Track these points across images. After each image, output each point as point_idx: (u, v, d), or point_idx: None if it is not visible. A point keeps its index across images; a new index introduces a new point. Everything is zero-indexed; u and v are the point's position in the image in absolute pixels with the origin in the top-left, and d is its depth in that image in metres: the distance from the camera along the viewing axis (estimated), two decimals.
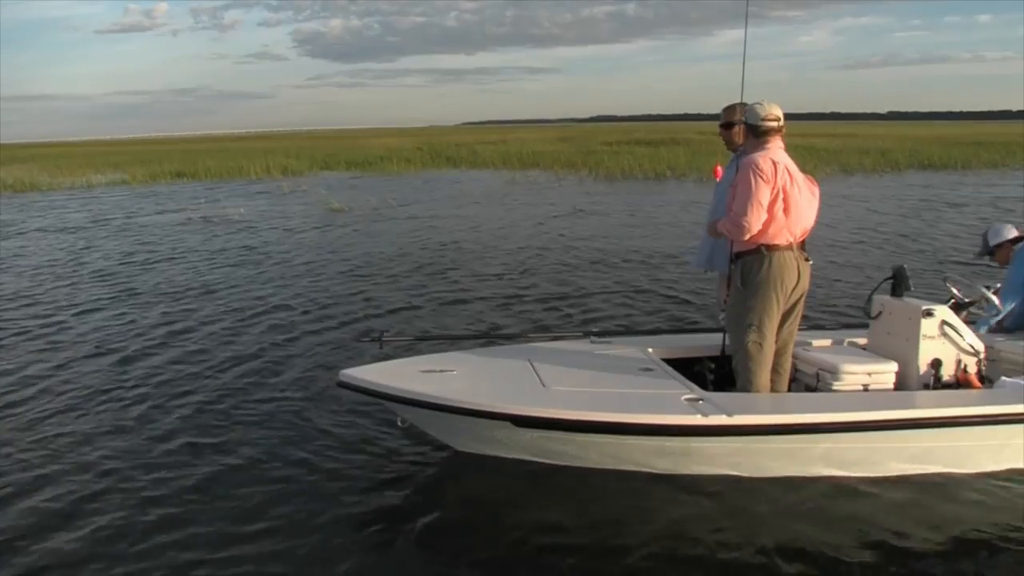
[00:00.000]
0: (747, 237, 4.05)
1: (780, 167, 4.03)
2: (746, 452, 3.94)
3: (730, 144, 4.64)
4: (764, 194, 3.98)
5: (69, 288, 9.70)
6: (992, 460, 4.04)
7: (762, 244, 4.06)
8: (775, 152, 4.09)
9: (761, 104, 4.14)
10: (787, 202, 4.02)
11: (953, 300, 4.61)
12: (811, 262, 4.23)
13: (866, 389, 4.17)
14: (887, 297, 4.48)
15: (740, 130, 4.39)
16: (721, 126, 4.66)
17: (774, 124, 4.11)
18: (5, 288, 9.77)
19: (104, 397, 5.68)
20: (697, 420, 3.68)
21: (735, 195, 4.09)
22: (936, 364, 4.21)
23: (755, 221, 3.99)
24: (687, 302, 8.30)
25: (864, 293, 5.16)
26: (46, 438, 4.94)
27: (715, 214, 4.61)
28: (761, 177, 3.98)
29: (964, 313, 4.51)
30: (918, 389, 4.22)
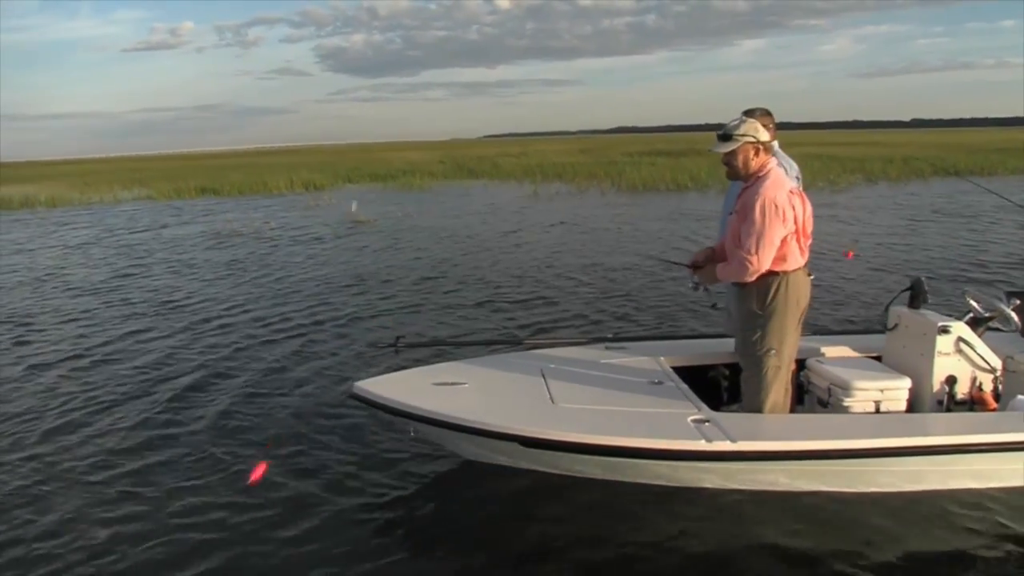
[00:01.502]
0: (754, 277, 3.93)
1: (794, 197, 3.92)
2: (751, 472, 3.94)
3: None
4: (778, 233, 3.84)
5: (91, 299, 9.90)
6: (1007, 478, 3.99)
7: (778, 269, 3.93)
8: (780, 173, 3.98)
9: (752, 120, 4.01)
10: (798, 230, 3.92)
11: (971, 314, 4.48)
12: (812, 276, 4.17)
13: (878, 407, 4.12)
14: (904, 309, 4.44)
15: (769, 130, 4.41)
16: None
17: (769, 136, 4.01)
18: (38, 302, 10.00)
19: (115, 405, 5.88)
20: (700, 446, 3.66)
21: (743, 230, 3.91)
22: (951, 381, 4.15)
23: (764, 262, 3.87)
24: (700, 310, 8.31)
25: (882, 302, 5.16)
26: (68, 440, 5.13)
27: (722, 235, 4.51)
28: (775, 213, 3.82)
29: (982, 328, 4.39)
30: (931, 407, 4.18)
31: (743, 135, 3.94)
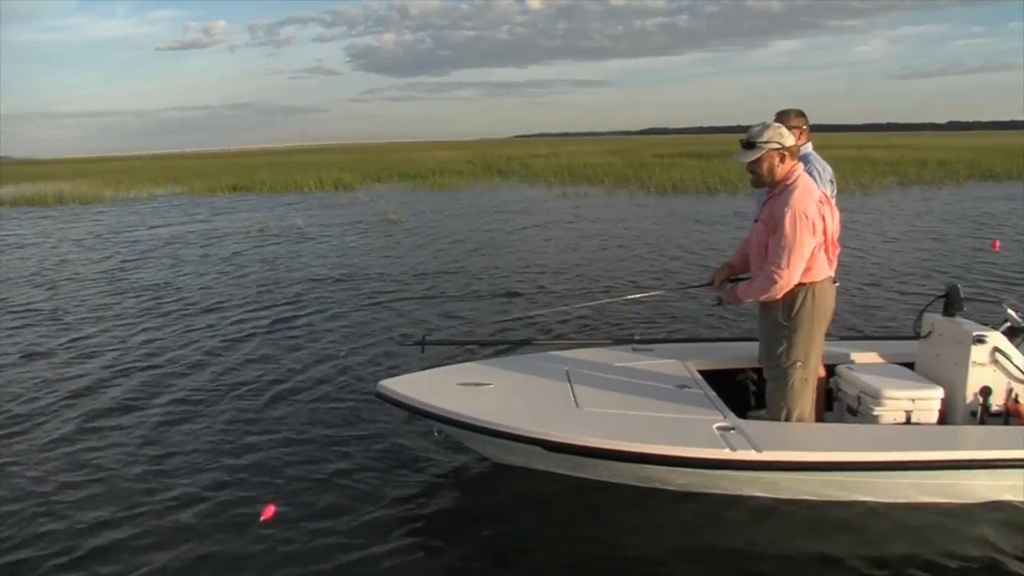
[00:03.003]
0: (782, 293, 3.82)
1: (823, 206, 3.80)
2: (775, 481, 3.89)
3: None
4: (808, 246, 3.72)
5: (121, 297, 10.02)
6: None
7: (804, 280, 3.83)
8: (808, 180, 3.86)
9: (777, 124, 3.87)
10: (827, 240, 3.82)
11: (1008, 324, 4.32)
12: (837, 284, 4.08)
13: (909, 418, 4.02)
14: (938, 316, 4.34)
15: (803, 132, 4.30)
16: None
17: (794, 141, 3.86)
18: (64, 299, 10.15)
19: (143, 402, 5.95)
20: (724, 454, 3.62)
21: (772, 243, 3.78)
22: (985, 392, 4.03)
23: (795, 276, 3.76)
24: (727, 314, 8.23)
25: (914, 309, 5.06)
26: (104, 434, 5.18)
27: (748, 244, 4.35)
28: (805, 224, 3.69)
29: (1019, 339, 4.23)
30: (964, 419, 4.07)
31: (767, 142, 3.79)
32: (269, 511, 4.06)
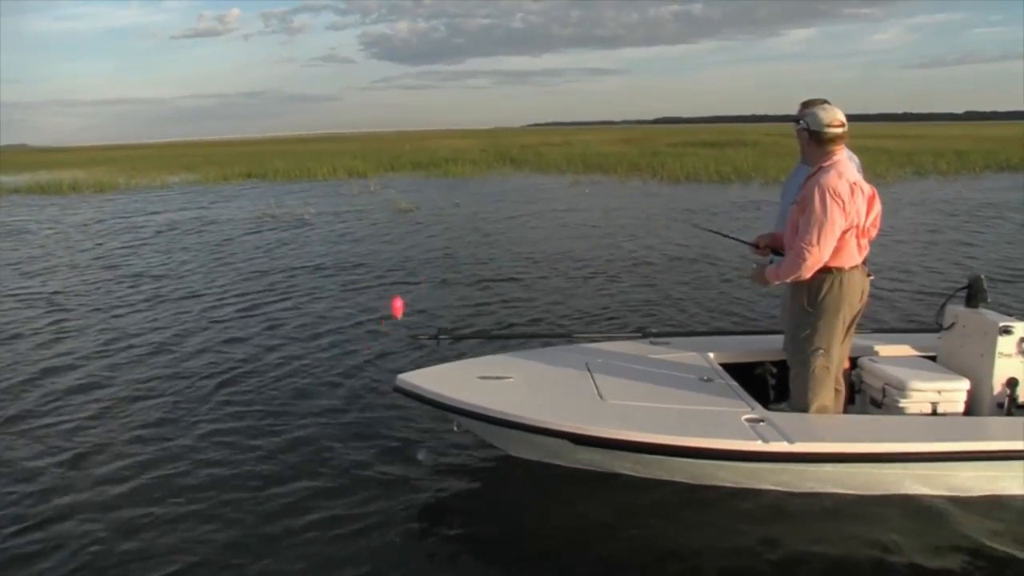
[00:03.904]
0: (812, 272, 3.82)
1: (856, 188, 3.79)
2: (806, 474, 3.85)
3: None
4: (839, 224, 3.73)
5: (129, 286, 10.05)
6: None
7: (831, 266, 3.83)
8: (845, 166, 3.84)
9: (824, 108, 3.91)
10: (859, 225, 3.81)
11: None
12: (872, 277, 4.06)
13: (935, 409, 3.99)
14: (961, 308, 4.28)
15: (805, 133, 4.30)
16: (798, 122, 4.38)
17: (839, 131, 3.85)
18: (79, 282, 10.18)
19: (156, 391, 5.94)
20: (758, 446, 3.58)
21: (803, 220, 3.81)
22: (1012, 384, 3.98)
23: (825, 253, 3.77)
24: (746, 303, 8.18)
25: (935, 301, 4.99)
26: (110, 426, 5.18)
27: (779, 226, 4.48)
28: (837, 201, 3.71)
29: None
30: (991, 410, 4.02)
31: (799, 120, 4.02)
32: (397, 304, 4.12)
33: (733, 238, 4.80)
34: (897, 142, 39.81)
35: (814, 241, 3.74)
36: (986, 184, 22.68)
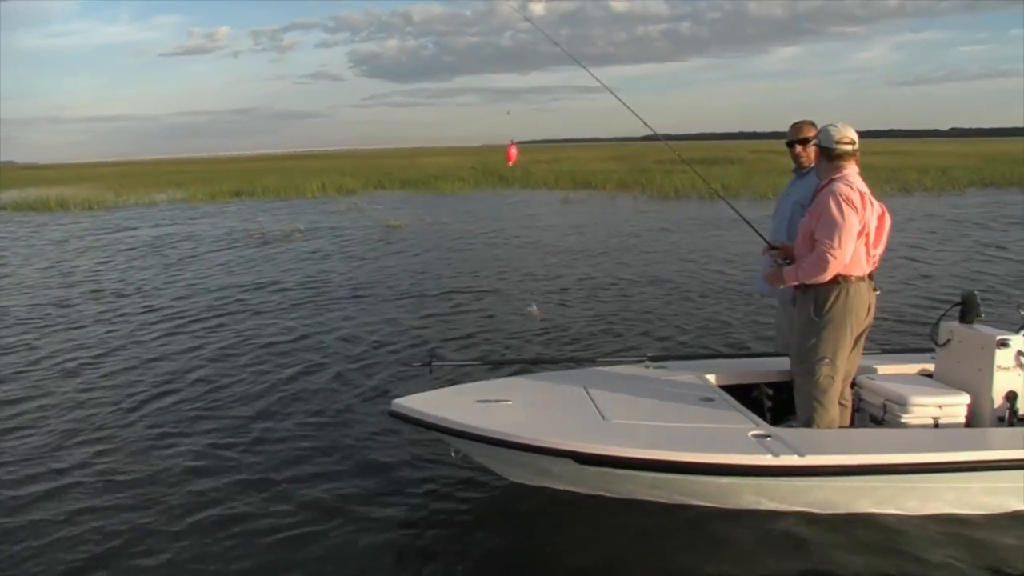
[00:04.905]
0: (833, 274, 3.86)
1: (865, 197, 3.90)
2: (814, 490, 3.82)
3: (799, 161, 4.63)
4: (854, 225, 3.82)
5: (113, 305, 9.98)
6: None
7: (839, 275, 3.89)
8: (854, 178, 3.96)
9: (836, 126, 4.01)
10: (868, 234, 3.91)
11: None
12: (878, 292, 4.10)
13: (936, 424, 3.99)
14: (956, 324, 4.28)
15: (815, 149, 4.32)
16: (794, 143, 4.61)
17: (849, 147, 3.96)
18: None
19: (139, 417, 5.77)
20: (768, 460, 3.56)
21: (820, 226, 3.89)
22: (1011, 397, 3.99)
23: (847, 254, 3.83)
24: (737, 325, 8.15)
25: (929, 318, 4.98)
26: (92, 448, 5.09)
27: (776, 236, 4.55)
28: (850, 206, 3.82)
29: None
30: (992, 424, 4.02)
31: (818, 136, 4.15)
32: (512, 152, 4.10)
33: (760, 235, 4.74)
34: (884, 159, 40.01)
35: (836, 244, 3.81)
36: (971, 200, 22.82)
